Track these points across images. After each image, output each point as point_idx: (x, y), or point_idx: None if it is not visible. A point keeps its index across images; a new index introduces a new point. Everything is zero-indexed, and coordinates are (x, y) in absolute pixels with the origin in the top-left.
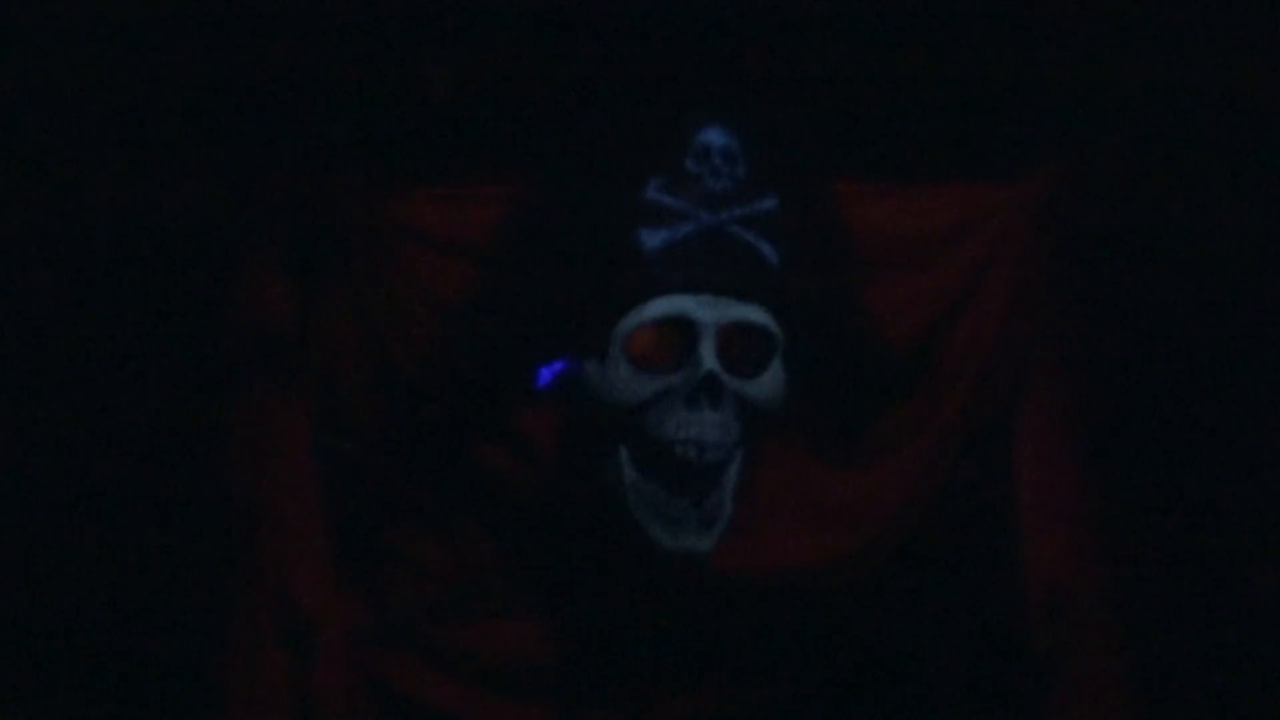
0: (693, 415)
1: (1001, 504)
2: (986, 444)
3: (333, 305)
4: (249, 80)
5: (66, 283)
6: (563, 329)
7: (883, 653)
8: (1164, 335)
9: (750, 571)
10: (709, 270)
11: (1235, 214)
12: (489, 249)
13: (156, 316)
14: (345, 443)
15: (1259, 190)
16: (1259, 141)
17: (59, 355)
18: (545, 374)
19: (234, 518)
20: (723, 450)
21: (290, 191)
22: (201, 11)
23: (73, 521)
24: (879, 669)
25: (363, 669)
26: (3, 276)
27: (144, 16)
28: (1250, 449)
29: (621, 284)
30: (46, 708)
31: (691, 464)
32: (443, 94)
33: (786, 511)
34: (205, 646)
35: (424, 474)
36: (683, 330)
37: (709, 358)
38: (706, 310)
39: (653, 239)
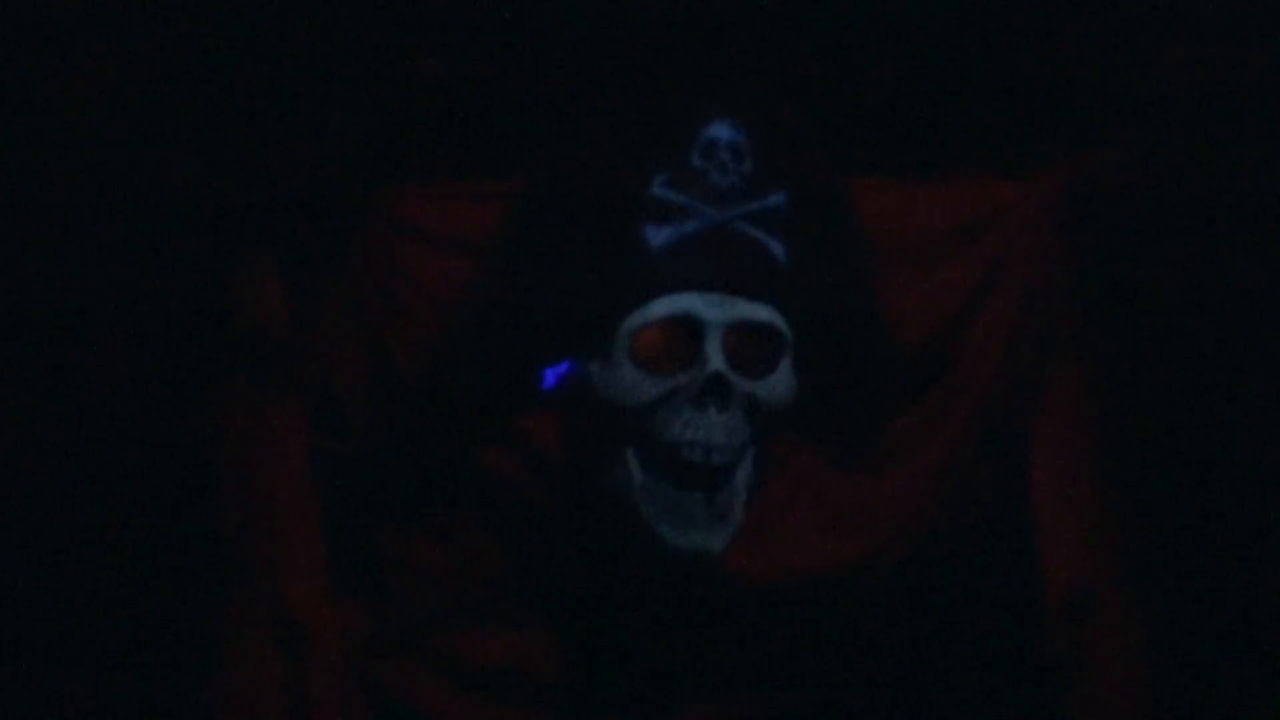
0: (699, 417)
1: (1018, 506)
2: (1003, 445)
3: (330, 305)
4: (244, 74)
5: (57, 281)
6: (566, 329)
7: (899, 658)
8: (1184, 333)
9: (762, 576)
10: (715, 268)
11: (1257, 209)
12: (490, 247)
13: (149, 315)
14: (342, 445)
15: None
16: None
17: (49, 355)
18: (550, 376)
19: (227, 521)
20: (730, 452)
21: (286, 188)
22: (196, 4)
23: (64, 523)
24: (895, 674)
25: (362, 677)
26: None
27: (140, 9)
28: (1272, 448)
29: (626, 282)
30: (39, 711)
31: (698, 466)
32: (436, 83)
33: (799, 515)
34: (198, 652)
35: (425, 478)
36: (689, 329)
37: (716, 357)
38: (713, 309)
39: (658, 236)
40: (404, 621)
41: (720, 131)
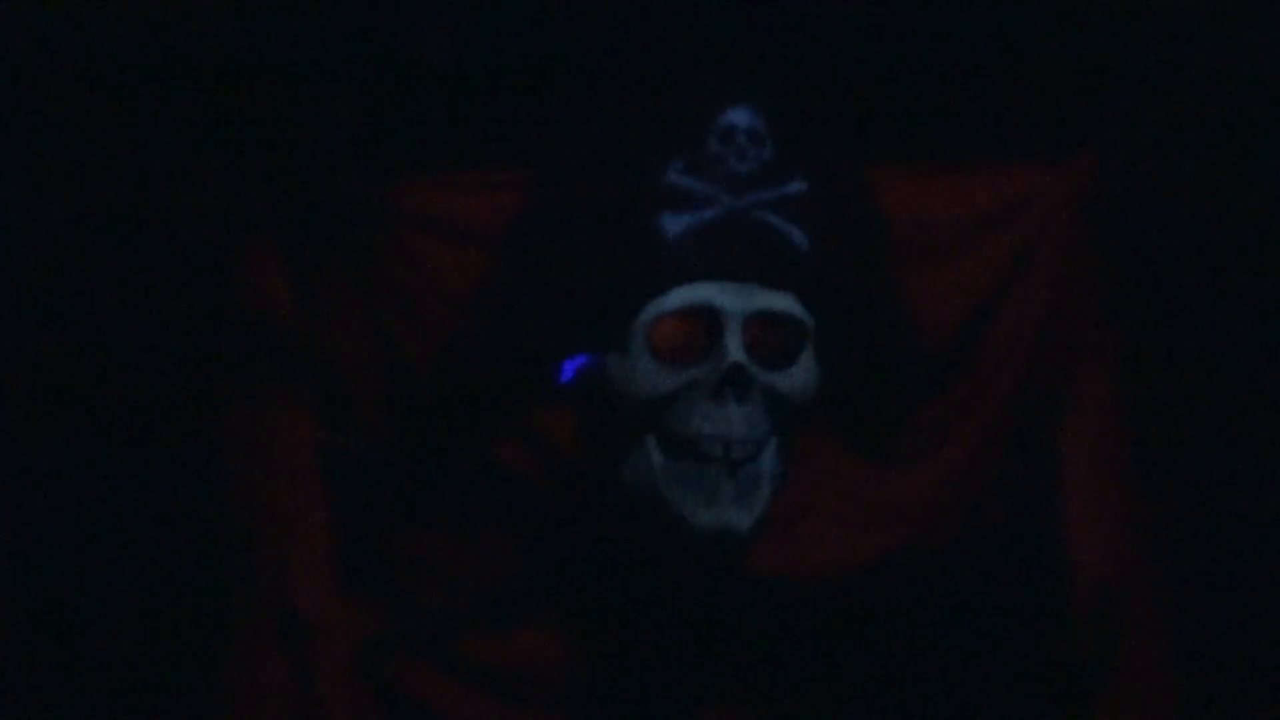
0: (718, 409)
1: (1048, 501)
2: (1032, 438)
3: (337, 297)
4: (247, 62)
5: (57, 274)
6: (581, 321)
7: (926, 656)
8: (1216, 324)
9: (787, 573)
10: (734, 256)
11: None
12: (502, 237)
13: (151, 308)
14: (351, 442)
15: None
16: None
17: (49, 350)
18: (567, 369)
19: (232, 519)
20: (750, 445)
21: (289, 177)
22: None
23: (66, 522)
24: (922, 673)
25: (373, 679)
26: None
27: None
28: None
29: (642, 272)
30: (43, 711)
31: (717, 460)
32: (443, 67)
33: (824, 511)
34: (203, 652)
35: (437, 475)
36: (707, 320)
37: (735, 348)
38: (731, 299)
39: (674, 224)
40: (417, 621)
41: (739, 117)
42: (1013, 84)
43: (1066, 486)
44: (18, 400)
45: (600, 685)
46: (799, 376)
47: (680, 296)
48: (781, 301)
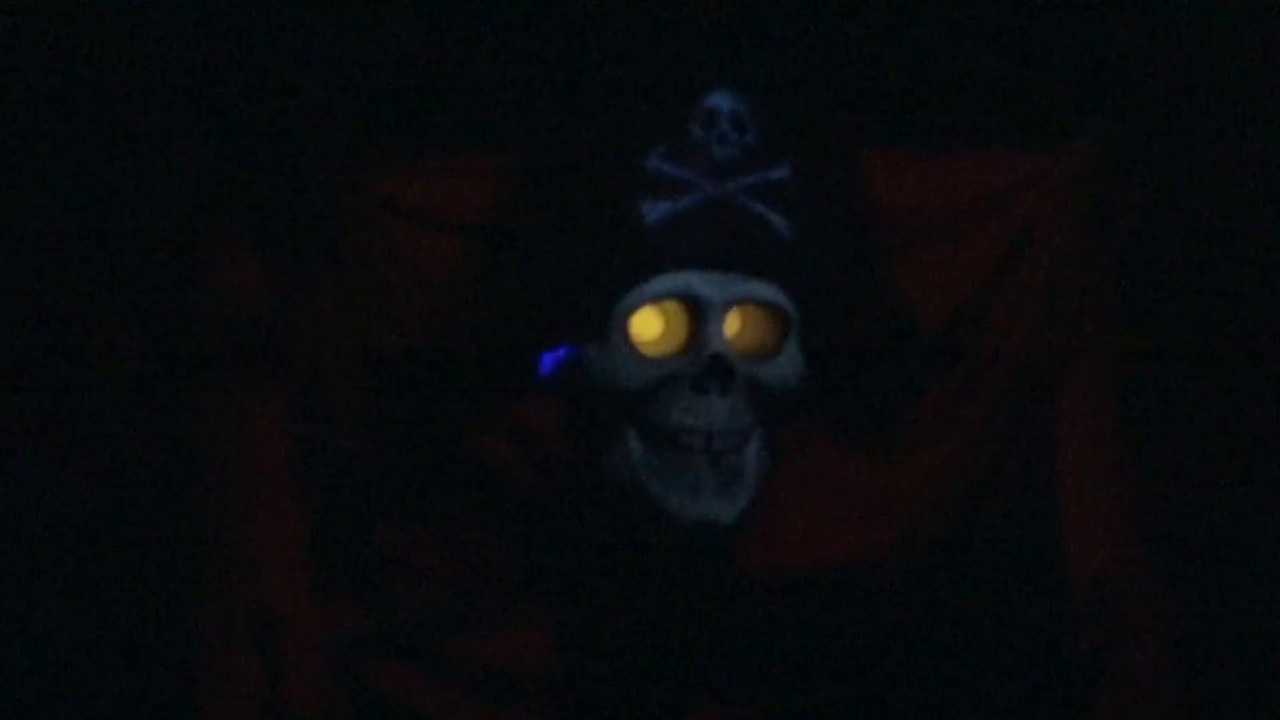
0: (700, 401)
1: (1044, 494)
2: (1027, 431)
3: (312, 286)
4: (218, 44)
5: (20, 261)
6: (560, 310)
7: (921, 653)
8: (1214, 313)
9: (778, 569)
10: (715, 244)
11: None
12: (481, 225)
13: (118, 297)
14: (328, 435)
15: None
16: None
17: (12, 342)
18: (548, 361)
19: (203, 515)
20: (733, 438)
21: (262, 160)
22: None
23: (32, 515)
24: (918, 670)
25: (350, 680)
26: None
27: None
28: None
29: (621, 260)
30: (11, 706)
31: (699, 453)
32: (417, 50)
33: (815, 506)
34: (172, 649)
35: (416, 469)
36: (688, 309)
37: (716, 339)
38: (713, 287)
39: (654, 211)
40: (400, 621)
41: (721, 101)
42: (1010, 68)
43: (1062, 479)
44: None
45: (588, 684)
46: (783, 367)
47: (660, 285)
48: (764, 290)
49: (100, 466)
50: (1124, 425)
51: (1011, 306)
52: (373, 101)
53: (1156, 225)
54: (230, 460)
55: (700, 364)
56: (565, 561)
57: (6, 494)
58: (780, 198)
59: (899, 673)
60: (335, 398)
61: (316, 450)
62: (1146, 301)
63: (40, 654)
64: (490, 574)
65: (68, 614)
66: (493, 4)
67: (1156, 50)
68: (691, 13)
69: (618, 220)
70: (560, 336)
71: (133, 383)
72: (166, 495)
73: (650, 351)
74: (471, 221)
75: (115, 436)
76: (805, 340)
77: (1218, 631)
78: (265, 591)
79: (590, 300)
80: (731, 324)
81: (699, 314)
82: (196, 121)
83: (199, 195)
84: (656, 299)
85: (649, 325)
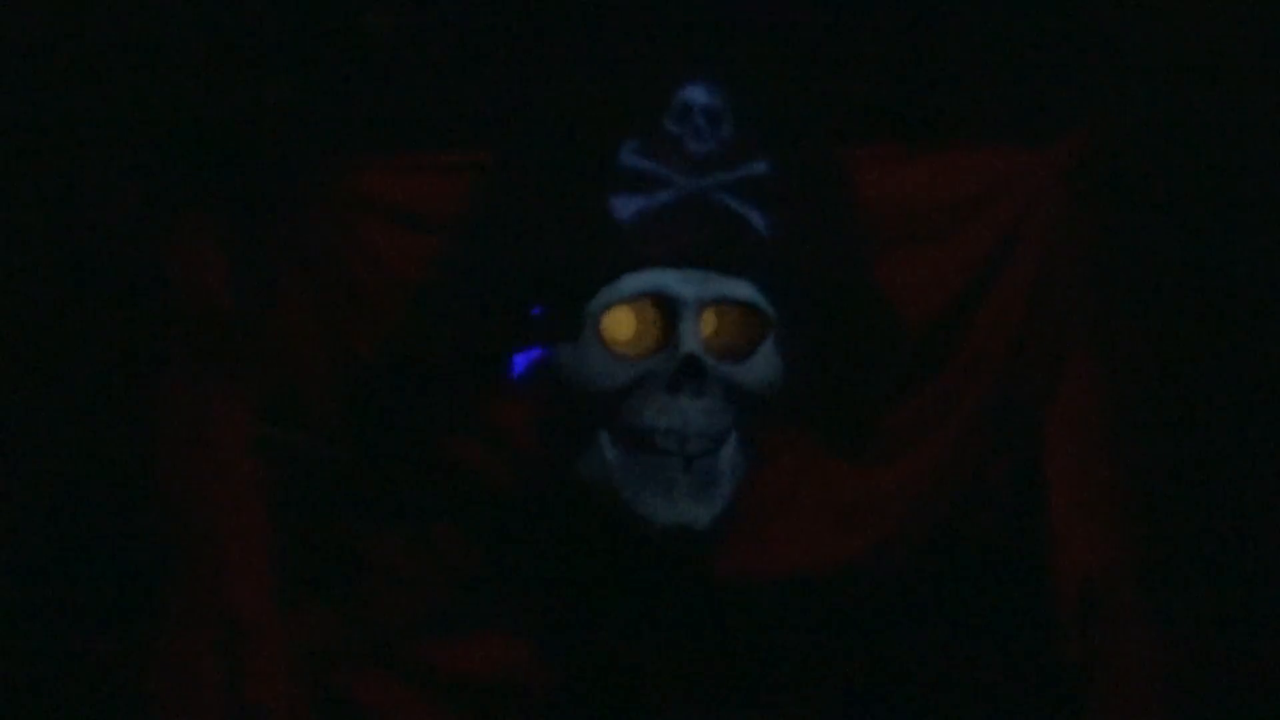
0: (673, 402)
1: (1031, 499)
2: (1014, 434)
3: (281, 281)
4: (186, 36)
5: None
6: (533, 309)
7: (905, 661)
8: (1204, 312)
9: (757, 576)
10: (689, 241)
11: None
12: (453, 222)
13: (78, 290)
14: (294, 436)
15: None
16: None
17: None
18: (521, 362)
19: (165, 515)
20: (707, 441)
21: (227, 147)
22: None
23: None
24: (901, 678)
25: (318, 688)
26: None
27: None
28: None
29: (593, 258)
30: None
31: (673, 455)
32: (383, 39)
33: (796, 510)
34: (133, 656)
35: (387, 471)
36: (661, 308)
37: (690, 338)
38: (687, 286)
39: (627, 208)
40: (370, 628)
41: (696, 94)
42: (998, 62)
43: (1051, 482)
44: None
45: (563, 691)
46: (760, 369)
47: (633, 283)
48: (741, 289)
49: (59, 466)
50: (1114, 426)
51: (998, 306)
52: (344, 96)
53: (1148, 221)
54: (195, 461)
55: (674, 364)
56: (539, 566)
57: None
58: (758, 194)
59: (881, 682)
60: (304, 398)
61: (284, 451)
62: (1136, 301)
63: None
64: (462, 579)
65: (24, 619)
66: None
67: (1146, 44)
68: (666, 4)
69: (590, 217)
70: (532, 336)
71: (94, 380)
72: (128, 496)
73: (623, 352)
74: (443, 219)
75: (75, 435)
76: (783, 341)
77: (1205, 636)
78: (230, 597)
79: (562, 299)
80: (707, 324)
81: (673, 313)
82: (164, 114)
83: (165, 189)
84: (630, 298)
85: (622, 325)
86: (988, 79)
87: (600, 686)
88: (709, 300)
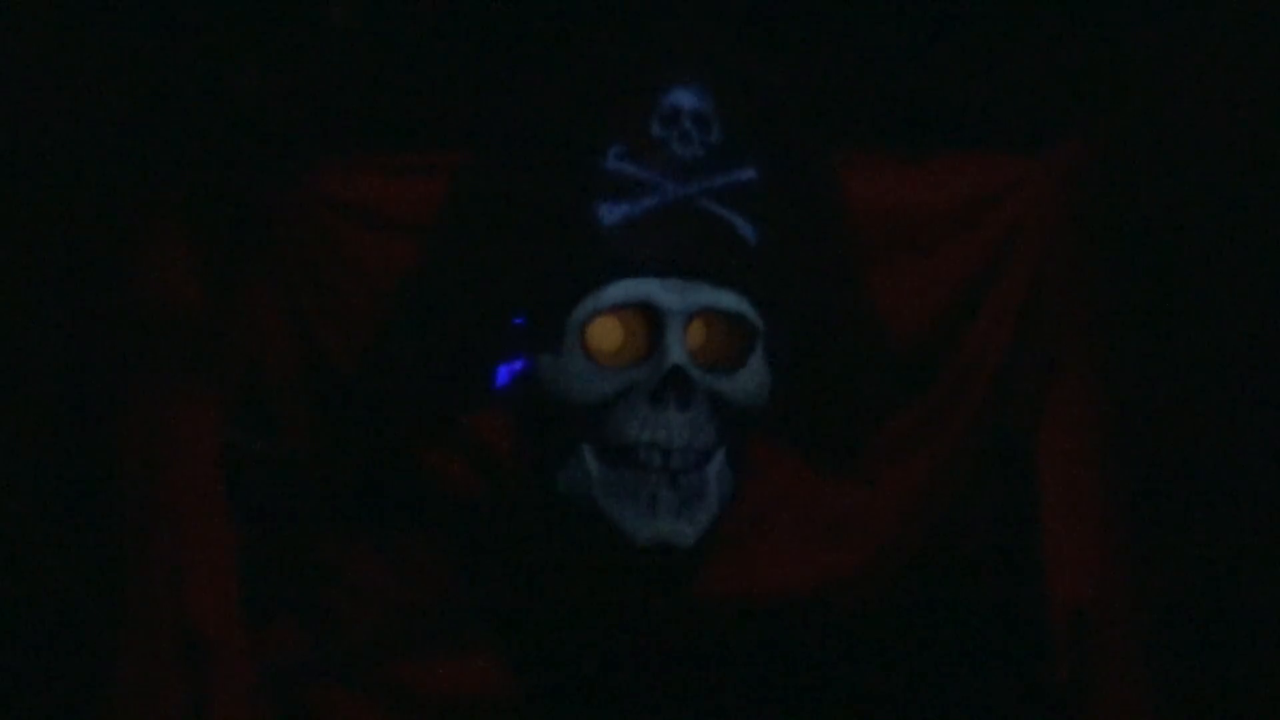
0: (658, 415)
1: (1022, 520)
2: (1006, 452)
3: (250, 286)
4: (157, 36)
5: None
6: (513, 317)
7: (891, 684)
8: (1203, 327)
9: (741, 596)
10: (675, 248)
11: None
12: (431, 226)
13: (38, 290)
14: (265, 444)
15: None
16: None
17: None
18: (504, 373)
19: (126, 525)
20: (692, 455)
21: (195, 144)
22: None
23: None
24: (887, 702)
25: (285, 705)
26: None
27: None
28: None
29: (576, 265)
30: None
31: (657, 470)
32: (343, 28)
33: (781, 529)
34: (91, 670)
35: (360, 483)
36: (646, 318)
37: (676, 349)
38: (673, 295)
39: (612, 214)
40: (340, 645)
41: (683, 98)
42: (994, 68)
43: (1043, 503)
44: None
45: (540, 713)
46: (747, 381)
47: (617, 292)
48: (728, 299)
49: (14, 472)
50: (1109, 444)
51: (991, 319)
52: (318, 94)
53: (1145, 232)
54: (158, 468)
55: (658, 376)
56: (517, 583)
57: None
58: (747, 201)
59: (868, 706)
60: (273, 405)
61: (251, 460)
62: (1134, 314)
63: None
64: (437, 596)
65: None
66: None
67: (1143, 51)
68: (653, 4)
69: (573, 223)
70: (513, 346)
71: (54, 383)
72: (87, 504)
73: (607, 362)
74: (421, 222)
75: (32, 440)
76: (771, 353)
77: (1198, 661)
78: (192, 610)
79: (544, 307)
80: (694, 335)
81: (658, 323)
82: (131, 112)
83: (130, 187)
84: (613, 307)
85: (605, 335)
86: (981, 84)
87: (577, 709)
88: (695, 310)
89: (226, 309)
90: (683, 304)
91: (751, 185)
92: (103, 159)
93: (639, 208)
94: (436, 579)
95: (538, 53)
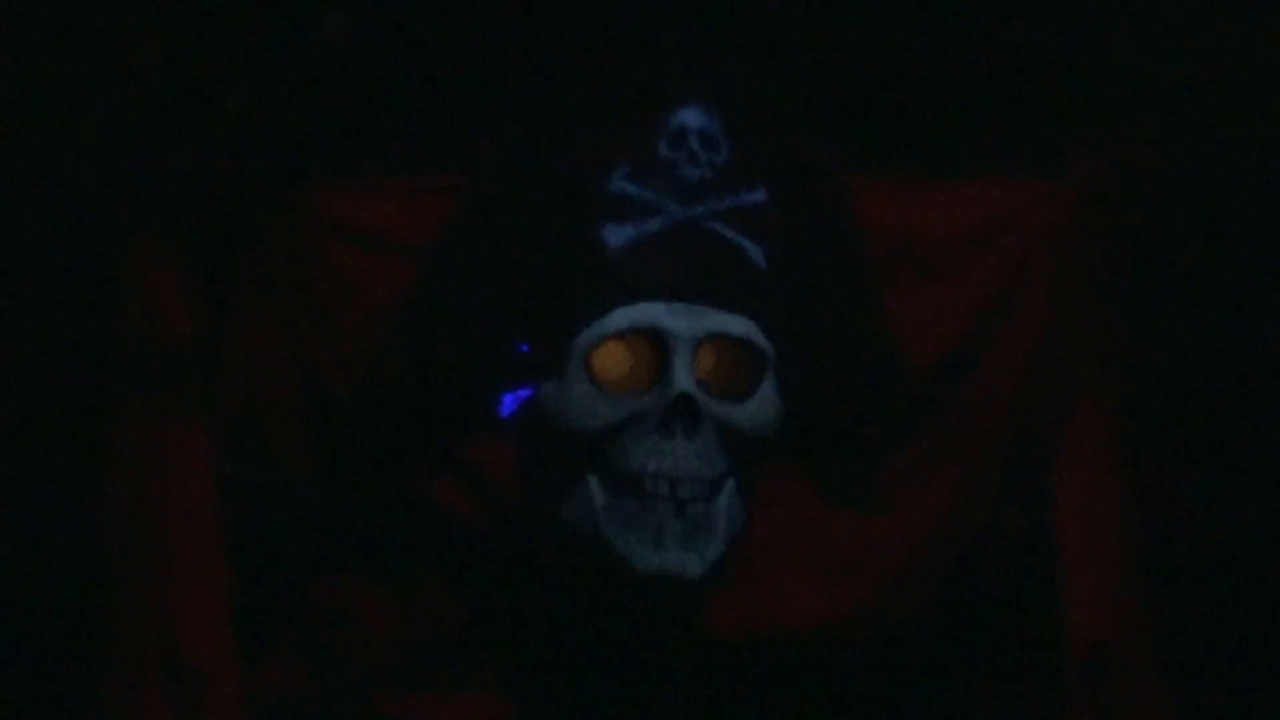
0: (665, 444)
1: (1040, 552)
2: (1023, 481)
3: (246, 310)
4: (153, 55)
5: None
6: (517, 343)
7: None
8: (1225, 354)
9: (750, 630)
10: (683, 272)
11: None
12: (431, 249)
13: (32, 314)
14: (260, 473)
15: None
16: None
17: None
18: (510, 401)
19: (117, 554)
20: (700, 485)
21: (193, 174)
22: None
23: None
24: None
25: None
26: None
27: None
28: None
29: (581, 290)
30: None
31: (663, 501)
32: (339, 49)
33: (792, 561)
34: (80, 698)
35: (359, 514)
36: (652, 344)
37: (683, 377)
38: (680, 320)
39: (617, 236)
40: (338, 681)
41: (691, 118)
42: (1009, 92)
43: (1061, 534)
44: None
45: None
46: (757, 409)
47: (622, 317)
48: (737, 325)
49: (6, 500)
50: (1128, 473)
51: (1008, 346)
52: (316, 115)
53: (1163, 256)
54: (151, 498)
55: (665, 404)
56: (520, 617)
57: None
58: (755, 223)
59: None
60: (270, 433)
61: (247, 490)
62: (1152, 342)
63: None
64: (438, 630)
65: None
66: (452, 13)
67: (1160, 77)
68: (660, 21)
69: (578, 246)
70: (516, 373)
71: (46, 409)
72: (80, 534)
73: (613, 390)
74: (421, 245)
75: (24, 463)
76: (782, 380)
77: (1219, 703)
78: (184, 643)
79: (548, 333)
80: (702, 361)
81: (665, 349)
82: (126, 132)
83: (125, 210)
84: (620, 333)
85: (612, 361)
86: (997, 108)
87: None
88: (703, 336)
89: (221, 334)
90: (690, 330)
91: (760, 207)
92: (97, 182)
93: (644, 230)
94: (438, 611)
95: (543, 73)
